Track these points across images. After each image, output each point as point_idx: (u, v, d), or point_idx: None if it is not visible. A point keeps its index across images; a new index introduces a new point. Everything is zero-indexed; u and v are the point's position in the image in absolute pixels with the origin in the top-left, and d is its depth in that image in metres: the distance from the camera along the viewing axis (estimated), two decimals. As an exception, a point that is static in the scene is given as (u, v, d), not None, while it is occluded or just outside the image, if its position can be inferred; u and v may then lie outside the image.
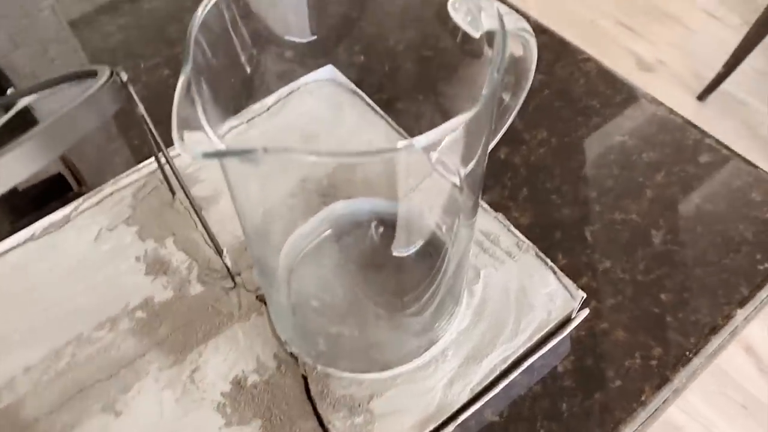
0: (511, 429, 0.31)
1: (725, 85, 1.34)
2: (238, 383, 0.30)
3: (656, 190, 0.38)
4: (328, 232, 0.33)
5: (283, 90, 0.40)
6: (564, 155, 0.39)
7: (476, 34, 0.23)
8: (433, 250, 0.30)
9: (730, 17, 1.55)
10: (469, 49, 0.25)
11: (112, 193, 0.37)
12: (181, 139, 0.19)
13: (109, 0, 0.50)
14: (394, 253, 0.30)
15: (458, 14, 0.23)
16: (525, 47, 0.25)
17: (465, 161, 0.25)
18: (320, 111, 0.40)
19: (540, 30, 0.46)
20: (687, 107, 1.37)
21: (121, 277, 0.34)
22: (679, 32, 1.53)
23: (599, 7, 1.58)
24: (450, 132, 0.18)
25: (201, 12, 0.22)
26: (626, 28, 1.55)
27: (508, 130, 0.30)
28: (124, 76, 0.25)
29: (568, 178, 0.39)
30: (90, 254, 0.35)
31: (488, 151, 0.24)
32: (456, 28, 0.24)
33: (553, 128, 0.41)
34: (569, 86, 0.43)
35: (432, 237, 0.30)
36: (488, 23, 0.22)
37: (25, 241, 0.36)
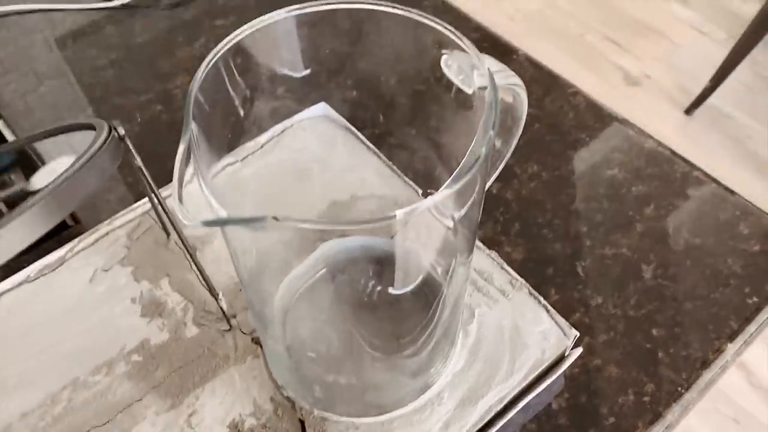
0: (507, 469, 0.31)
1: (712, 99, 1.35)
2: (235, 427, 0.30)
3: (646, 223, 0.39)
4: (323, 271, 0.34)
5: (277, 128, 0.40)
6: (555, 189, 0.40)
7: (469, 90, 0.23)
8: (428, 291, 0.30)
9: (716, 32, 1.57)
10: (462, 97, 0.26)
11: (107, 233, 0.37)
12: (180, 201, 0.19)
13: (100, 35, 0.51)
14: (393, 291, 0.31)
15: (450, 71, 0.24)
16: (516, 98, 0.26)
17: (459, 207, 0.25)
18: (314, 148, 0.40)
19: (531, 63, 0.47)
20: (674, 121, 1.39)
21: (116, 319, 0.34)
22: (665, 47, 1.55)
23: (586, 22, 1.60)
24: (450, 192, 0.19)
25: (201, 74, 0.22)
26: (613, 42, 1.57)
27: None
28: (122, 131, 0.25)
29: (559, 213, 0.39)
30: (85, 296, 0.35)
31: (483, 195, 0.24)
32: (450, 83, 0.25)
33: (544, 162, 0.41)
34: (559, 120, 0.43)
35: (428, 277, 0.30)
36: (480, 81, 0.22)
37: (20, 284, 0.36)
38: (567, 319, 0.33)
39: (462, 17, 0.50)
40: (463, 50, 0.23)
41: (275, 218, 0.19)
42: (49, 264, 0.36)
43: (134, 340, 0.33)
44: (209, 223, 0.19)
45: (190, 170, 0.21)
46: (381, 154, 0.39)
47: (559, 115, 0.44)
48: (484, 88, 0.23)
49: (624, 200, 0.40)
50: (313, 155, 0.40)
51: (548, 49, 1.52)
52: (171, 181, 0.20)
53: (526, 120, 0.43)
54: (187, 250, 0.30)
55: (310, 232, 0.35)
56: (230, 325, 0.33)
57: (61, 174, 0.20)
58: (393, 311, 0.31)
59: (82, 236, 0.37)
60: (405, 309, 0.31)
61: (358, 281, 0.33)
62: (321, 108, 0.41)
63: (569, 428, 0.32)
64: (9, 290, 0.35)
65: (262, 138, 0.39)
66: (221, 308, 0.33)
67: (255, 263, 0.29)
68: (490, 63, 0.24)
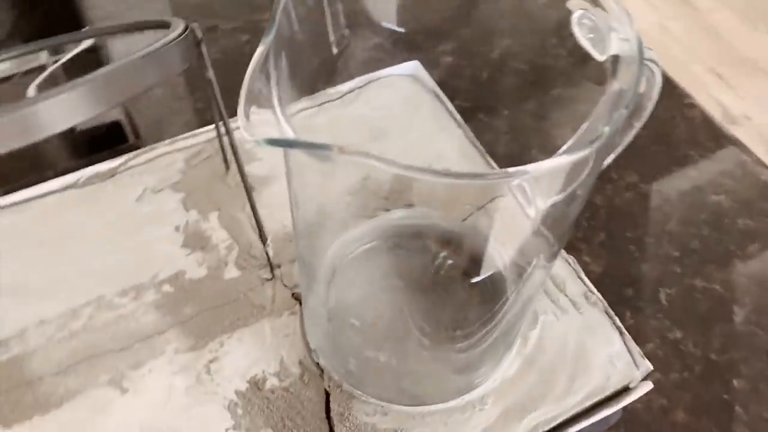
0: (541, 497, 0.27)
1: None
2: (255, 384, 0.28)
3: (747, 261, 0.34)
4: (380, 240, 0.31)
5: (362, 79, 0.37)
6: (651, 204, 0.36)
7: (600, 57, 0.20)
8: (496, 287, 0.27)
9: (831, 84, 1.46)
10: (582, 71, 0.22)
11: (164, 154, 0.35)
12: (247, 117, 0.17)
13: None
14: (458, 278, 0.27)
15: (582, 30, 0.20)
16: (649, 80, 0.22)
17: (559, 191, 0.22)
18: (396, 108, 0.37)
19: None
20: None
21: (155, 243, 0.32)
22: (770, 90, 1.46)
23: (695, 51, 1.52)
24: (559, 167, 0.15)
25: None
26: (717, 76, 1.48)
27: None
28: (199, 33, 0.23)
29: (651, 230, 0.35)
30: (129, 214, 0.33)
31: (588, 191, 0.21)
32: (576, 47, 0.21)
33: (645, 173, 0.37)
34: (670, 131, 0.39)
35: (498, 272, 0.27)
36: (619, 47, 0.19)
37: (66, 187, 0.34)
38: (640, 349, 0.29)
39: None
40: (603, 8, 0.19)
41: (341, 149, 0.16)
42: (99, 173, 0.34)
43: (169, 270, 0.31)
44: (272, 142, 0.16)
45: (262, 87, 0.18)
46: (466, 128, 0.36)
47: (670, 125, 0.39)
48: (621, 58, 0.19)
49: (727, 231, 0.35)
50: (394, 116, 0.37)
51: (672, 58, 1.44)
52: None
53: (632, 124, 0.39)
54: (245, 184, 0.28)
55: (373, 196, 0.32)
56: (273, 275, 0.31)
57: (124, 58, 0.18)
58: (453, 299, 0.28)
59: (138, 151, 0.35)
60: (466, 300, 0.28)
61: (418, 257, 0.30)
62: (412, 66, 0.38)
63: (619, 469, 0.28)
64: (54, 192, 0.34)
65: (345, 87, 0.37)
66: (267, 254, 0.30)
67: (315, 214, 0.27)
68: (627, 31, 0.20)
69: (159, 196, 0.34)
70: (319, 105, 0.37)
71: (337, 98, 0.37)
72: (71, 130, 0.45)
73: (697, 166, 0.38)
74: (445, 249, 0.30)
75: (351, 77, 0.37)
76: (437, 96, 0.37)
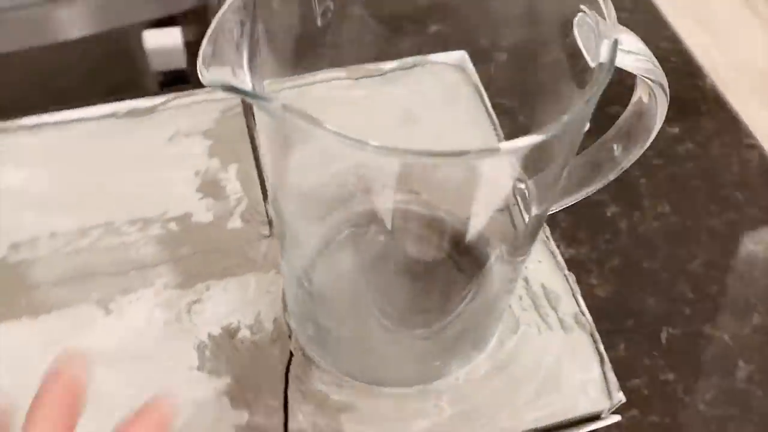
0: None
1: None
2: (228, 332, 0.29)
3: (766, 319, 0.32)
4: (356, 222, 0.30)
5: (408, 60, 0.37)
6: (678, 240, 0.34)
7: (591, 64, 0.19)
8: (457, 278, 0.26)
9: None
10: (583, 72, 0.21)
11: (203, 102, 0.37)
12: (204, 62, 0.17)
13: None
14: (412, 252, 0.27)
15: (581, 35, 0.20)
16: (651, 98, 0.21)
17: (536, 182, 0.21)
18: (434, 95, 0.37)
19: (713, 96, 0.40)
20: None
21: (172, 183, 0.33)
22: None
23: None
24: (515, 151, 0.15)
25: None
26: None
27: (626, 186, 0.26)
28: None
29: (670, 266, 0.33)
30: (158, 152, 0.35)
31: (556, 194, 0.20)
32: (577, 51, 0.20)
33: (679, 206, 0.35)
34: (719, 168, 0.37)
35: (472, 257, 0.26)
36: (604, 55, 0.18)
37: (106, 116, 0.36)
38: (624, 382, 0.28)
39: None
40: (602, 14, 0.19)
41: (286, 106, 0.16)
42: (139, 109, 0.36)
43: (178, 210, 0.32)
44: (225, 88, 0.17)
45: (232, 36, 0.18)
46: (500, 128, 0.35)
47: (721, 162, 0.37)
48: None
49: (754, 284, 0.33)
50: (430, 103, 0.36)
51: (748, 98, 1.35)
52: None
53: (681, 152, 0.37)
54: (252, 140, 0.28)
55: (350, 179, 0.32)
56: (271, 232, 0.31)
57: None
58: (415, 279, 0.28)
59: (179, 93, 0.37)
60: (429, 282, 0.27)
61: (386, 238, 0.30)
62: (459, 56, 0.37)
63: (569, 498, 0.27)
64: (95, 118, 0.36)
65: (387, 65, 0.37)
66: (266, 211, 0.31)
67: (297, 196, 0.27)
68: (631, 42, 0.19)
69: (189, 140, 0.35)
70: (356, 79, 0.37)
71: (378, 75, 0.37)
72: (144, 69, 0.47)
73: (739, 211, 0.35)
74: (414, 225, 0.29)
75: (399, 56, 0.36)
76: (478, 90, 0.37)
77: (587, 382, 0.28)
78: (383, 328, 0.26)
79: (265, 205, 0.31)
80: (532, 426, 0.27)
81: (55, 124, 0.35)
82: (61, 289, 0.30)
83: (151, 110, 0.36)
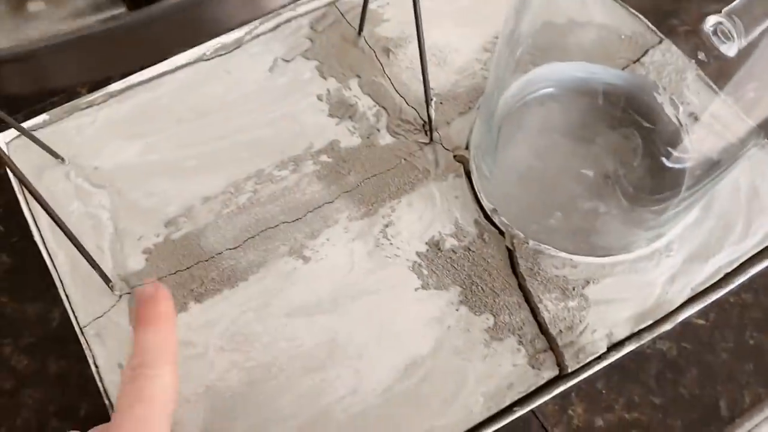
0: (717, 335, 0.28)
1: None
2: (435, 245, 0.28)
3: None
4: (551, 89, 0.29)
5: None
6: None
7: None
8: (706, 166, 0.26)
9: None
10: None
11: (288, 20, 0.33)
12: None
13: None
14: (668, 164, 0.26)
15: None
16: None
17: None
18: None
19: None
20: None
21: (301, 114, 0.31)
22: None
23: None
24: None
25: None
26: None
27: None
28: None
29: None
30: (266, 85, 0.32)
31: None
32: None
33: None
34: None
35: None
36: None
37: (196, 60, 0.32)
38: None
39: None
40: None
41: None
42: (225, 44, 0.33)
43: (322, 140, 0.30)
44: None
45: None
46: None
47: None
48: None
49: None
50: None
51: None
52: None
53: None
54: (421, 50, 0.26)
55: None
56: (431, 138, 0.30)
57: None
58: (658, 168, 0.27)
59: (261, 18, 0.33)
60: (668, 173, 0.27)
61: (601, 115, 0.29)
62: None
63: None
64: (184, 66, 0.32)
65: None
66: (429, 117, 0.29)
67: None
68: None
69: (292, 66, 0.32)
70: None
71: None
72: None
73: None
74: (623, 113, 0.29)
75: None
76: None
77: (784, 198, 0.29)
78: (619, 206, 0.26)
79: (428, 110, 0.29)
80: (757, 249, 0.28)
81: (143, 83, 0.32)
82: (247, 251, 0.28)
83: (238, 43, 0.33)
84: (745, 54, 0.23)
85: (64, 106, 0.31)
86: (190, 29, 0.14)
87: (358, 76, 0.32)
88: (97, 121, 0.31)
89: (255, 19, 0.15)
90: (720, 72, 0.28)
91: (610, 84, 0.29)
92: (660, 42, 0.30)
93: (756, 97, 0.24)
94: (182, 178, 0.29)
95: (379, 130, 0.31)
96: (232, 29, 0.15)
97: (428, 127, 0.30)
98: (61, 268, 0.27)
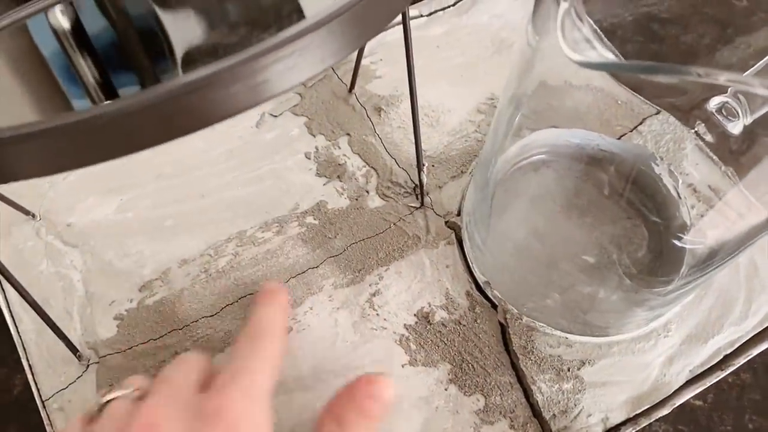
0: (715, 418, 0.27)
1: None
2: (424, 317, 0.27)
3: None
4: (545, 156, 0.28)
5: (479, -15, 0.34)
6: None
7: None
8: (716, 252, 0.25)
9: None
10: None
11: (277, 74, 0.32)
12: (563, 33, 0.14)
13: None
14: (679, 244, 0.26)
15: None
16: None
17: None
18: (514, 16, 0.34)
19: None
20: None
21: (288, 173, 0.30)
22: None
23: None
24: None
25: None
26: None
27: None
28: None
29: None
30: (252, 140, 0.31)
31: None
32: None
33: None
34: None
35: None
36: None
37: (179, 113, 0.31)
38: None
39: None
40: None
41: (699, 73, 0.14)
42: (212, 97, 0.31)
43: (309, 201, 0.29)
44: (592, 66, 0.14)
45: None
46: (606, 40, 0.33)
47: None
48: None
49: None
50: (514, 25, 0.34)
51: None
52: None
53: None
54: (414, 115, 0.25)
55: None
56: (422, 203, 0.29)
57: None
58: (667, 250, 0.26)
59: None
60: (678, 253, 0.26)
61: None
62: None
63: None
64: (166, 118, 0.31)
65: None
66: (420, 181, 0.28)
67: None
68: None
69: (280, 121, 0.31)
70: (428, 14, 0.34)
71: (449, 6, 0.34)
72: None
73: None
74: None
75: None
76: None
77: (785, 275, 0.28)
78: (620, 286, 0.25)
79: (419, 174, 0.28)
80: (757, 330, 0.27)
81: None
82: (224, 319, 0.26)
83: (225, 96, 0.31)
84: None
85: (38, 157, 0.29)
86: (169, 123, 0.13)
87: (348, 135, 0.31)
88: (72, 174, 0.29)
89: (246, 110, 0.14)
90: (721, 145, 0.28)
91: (607, 152, 0.29)
92: (658, 112, 0.29)
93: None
94: (159, 238, 0.28)
95: (368, 192, 0.29)
96: (213, 124, 0.14)
97: (419, 191, 0.29)
98: (25, 335, 0.26)
